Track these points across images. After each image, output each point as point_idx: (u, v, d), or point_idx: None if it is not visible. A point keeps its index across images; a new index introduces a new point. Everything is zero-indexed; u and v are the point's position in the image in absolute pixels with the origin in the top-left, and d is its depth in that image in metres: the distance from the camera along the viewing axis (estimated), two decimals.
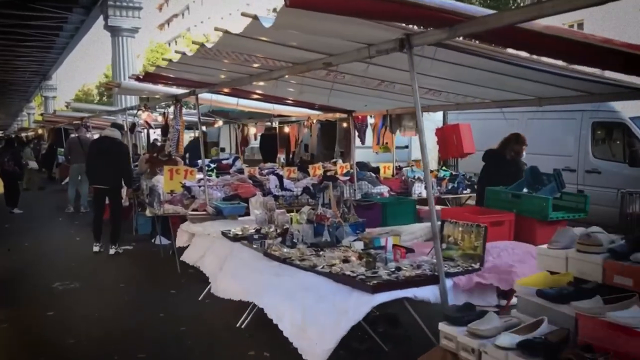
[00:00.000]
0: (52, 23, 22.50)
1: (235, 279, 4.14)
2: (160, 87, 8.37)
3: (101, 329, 5.02)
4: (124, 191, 8.39)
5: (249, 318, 4.58)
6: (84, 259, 7.81)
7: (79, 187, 12.25)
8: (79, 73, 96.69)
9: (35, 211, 12.41)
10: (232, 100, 8.16)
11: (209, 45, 4.15)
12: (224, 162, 10.77)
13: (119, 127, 9.01)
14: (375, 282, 3.51)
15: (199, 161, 10.42)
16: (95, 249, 8.04)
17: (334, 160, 11.08)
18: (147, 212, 8.30)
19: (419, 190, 8.26)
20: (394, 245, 4.00)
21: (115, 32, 17.44)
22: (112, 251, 7.92)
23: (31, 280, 6.76)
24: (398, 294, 3.54)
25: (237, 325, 4.64)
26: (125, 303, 5.82)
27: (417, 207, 6.93)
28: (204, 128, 10.80)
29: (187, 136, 11.26)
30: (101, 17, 21.11)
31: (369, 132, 9.70)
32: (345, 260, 3.89)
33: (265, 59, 4.52)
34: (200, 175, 8.18)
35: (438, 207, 7.47)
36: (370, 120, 9.57)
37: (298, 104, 8.39)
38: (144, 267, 7.34)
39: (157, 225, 8.10)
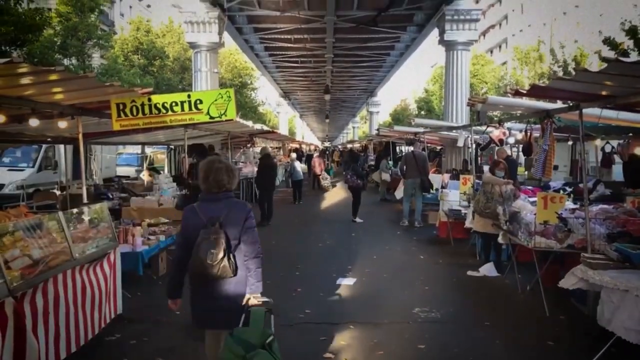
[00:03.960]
0: (386, 43, 24.26)
1: None
2: (526, 101, 7.52)
3: None
4: None
5: None
6: (436, 282, 7.50)
7: (414, 202, 12.35)
8: (396, 88, 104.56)
9: (371, 222, 13.02)
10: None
11: None
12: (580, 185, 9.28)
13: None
14: None
15: (553, 184, 9.24)
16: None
17: None
18: (500, 238, 7.56)
19: None
20: None
21: (450, 46, 17.37)
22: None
23: (391, 300, 6.68)
24: None
25: None
26: (499, 350, 5.08)
27: None
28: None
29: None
30: (430, 33, 21.70)
31: None
32: None
33: None
34: (571, 204, 7.01)
35: None
36: None
37: None
38: (504, 303, 6.54)
39: (512, 256, 7.24)
